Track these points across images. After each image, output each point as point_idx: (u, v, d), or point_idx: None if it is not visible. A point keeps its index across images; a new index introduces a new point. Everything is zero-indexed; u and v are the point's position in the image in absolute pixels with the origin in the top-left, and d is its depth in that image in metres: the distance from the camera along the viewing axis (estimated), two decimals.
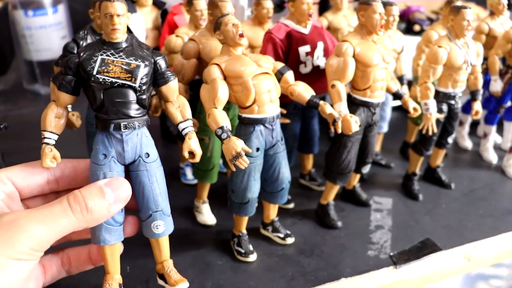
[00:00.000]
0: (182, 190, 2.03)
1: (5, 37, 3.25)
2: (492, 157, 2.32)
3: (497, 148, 2.42)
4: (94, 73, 1.17)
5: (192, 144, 1.29)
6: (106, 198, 1.07)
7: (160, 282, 1.37)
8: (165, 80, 1.27)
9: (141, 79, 1.20)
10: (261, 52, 1.73)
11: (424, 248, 1.68)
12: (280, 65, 1.56)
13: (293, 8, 1.72)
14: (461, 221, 1.86)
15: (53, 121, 1.23)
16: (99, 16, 1.23)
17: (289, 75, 1.55)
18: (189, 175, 2.07)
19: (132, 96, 1.21)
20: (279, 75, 1.54)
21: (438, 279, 1.69)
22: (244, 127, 1.47)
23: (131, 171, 1.28)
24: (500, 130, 2.44)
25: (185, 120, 1.32)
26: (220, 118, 1.36)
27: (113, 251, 1.27)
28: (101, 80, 1.17)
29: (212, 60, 1.46)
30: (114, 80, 1.18)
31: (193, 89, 1.65)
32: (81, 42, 1.58)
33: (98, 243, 1.23)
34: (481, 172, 2.23)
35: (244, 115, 1.46)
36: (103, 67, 1.17)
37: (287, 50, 1.72)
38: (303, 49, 1.73)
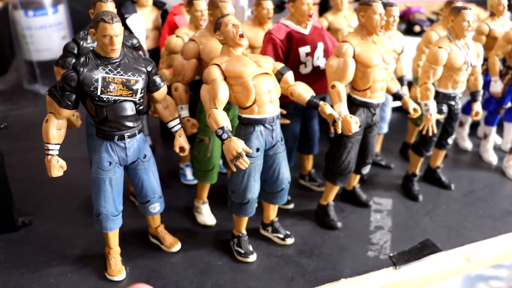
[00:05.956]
0: (182, 190, 2.03)
1: (5, 37, 3.25)
2: (492, 158, 2.32)
3: (497, 149, 2.42)
4: (98, 93, 1.26)
5: (182, 141, 1.48)
6: None
7: (153, 240, 1.66)
8: (157, 87, 1.41)
9: (140, 93, 1.32)
10: (261, 53, 1.73)
11: (424, 249, 1.68)
12: (280, 65, 1.56)
13: (293, 8, 1.72)
14: (461, 222, 1.86)
15: (56, 133, 1.31)
16: (93, 32, 1.27)
17: (289, 75, 1.55)
18: (189, 175, 2.06)
19: (132, 109, 1.32)
20: (279, 75, 1.54)
21: (438, 280, 1.69)
22: (244, 127, 1.47)
23: (129, 169, 1.44)
24: (500, 131, 2.43)
25: (174, 119, 1.48)
26: (221, 119, 1.37)
27: (115, 232, 1.49)
28: (105, 99, 1.27)
29: (212, 60, 1.47)
30: (117, 98, 1.28)
31: (193, 90, 1.65)
32: (81, 42, 1.59)
33: (105, 230, 1.44)
34: (481, 173, 2.23)
35: (244, 116, 1.46)
36: (106, 87, 1.26)
37: (287, 50, 1.72)
38: (303, 50, 1.73)
